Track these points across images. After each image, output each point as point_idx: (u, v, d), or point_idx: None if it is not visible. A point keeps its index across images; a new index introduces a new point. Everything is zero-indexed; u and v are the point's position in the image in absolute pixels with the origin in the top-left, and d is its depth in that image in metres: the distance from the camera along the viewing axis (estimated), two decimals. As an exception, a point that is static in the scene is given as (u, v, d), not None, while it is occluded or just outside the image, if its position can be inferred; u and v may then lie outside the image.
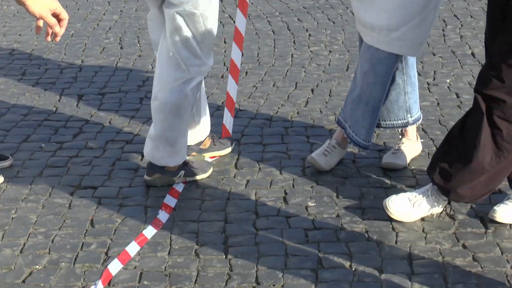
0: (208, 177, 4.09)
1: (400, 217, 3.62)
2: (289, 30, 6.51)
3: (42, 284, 3.24)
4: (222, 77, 5.44)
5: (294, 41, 6.23)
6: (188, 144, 4.14)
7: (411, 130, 4.26)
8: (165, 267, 3.33)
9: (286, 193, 3.92)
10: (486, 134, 3.39)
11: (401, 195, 3.65)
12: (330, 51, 5.96)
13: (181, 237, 3.55)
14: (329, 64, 5.70)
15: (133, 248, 3.45)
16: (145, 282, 3.24)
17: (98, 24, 6.74)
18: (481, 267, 3.30)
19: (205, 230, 3.61)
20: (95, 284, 3.21)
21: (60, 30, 2.63)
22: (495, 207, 3.64)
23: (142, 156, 4.32)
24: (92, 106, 5.01)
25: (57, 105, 5.04)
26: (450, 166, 3.50)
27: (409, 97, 4.13)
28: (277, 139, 4.51)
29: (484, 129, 3.39)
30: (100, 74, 5.58)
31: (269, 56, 5.90)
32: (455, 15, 6.77)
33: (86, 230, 3.62)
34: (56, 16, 2.62)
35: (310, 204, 3.82)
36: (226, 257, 3.39)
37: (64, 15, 2.64)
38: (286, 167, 4.19)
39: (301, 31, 6.47)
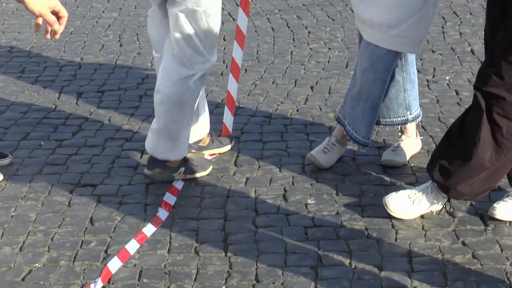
0: (207, 174, 4.09)
1: (400, 214, 3.62)
2: (289, 27, 6.50)
3: (41, 282, 3.23)
4: (221, 74, 5.43)
5: (293, 38, 6.23)
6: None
7: (411, 127, 4.25)
8: (164, 265, 3.33)
9: (285, 191, 3.92)
10: (486, 131, 3.39)
11: (401, 192, 3.65)
12: (329, 48, 5.96)
13: (180, 235, 3.55)
14: (328, 62, 5.69)
15: (132, 246, 3.45)
16: (145, 280, 3.24)
17: (97, 22, 6.73)
18: (481, 265, 3.30)
19: (205, 228, 3.61)
20: (94, 282, 3.21)
21: (59, 28, 2.63)
22: (494, 204, 3.64)
23: (142, 153, 4.32)
24: (92, 104, 5.01)
25: (56, 102, 5.04)
26: (449, 164, 3.50)
27: (409, 94, 4.13)
28: (276, 137, 4.51)
29: (483, 126, 3.39)
30: (99, 72, 5.58)
31: (268, 53, 5.90)
32: (454, 12, 6.77)
33: (86, 228, 3.62)
34: (55, 13, 2.62)
35: (309, 201, 3.82)
36: (225, 254, 3.39)
37: (64, 12, 2.64)
38: (286, 164, 4.19)
39: (301, 28, 6.47)
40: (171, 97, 3.81)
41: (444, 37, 6.17)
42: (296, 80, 5.35)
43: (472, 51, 5.85)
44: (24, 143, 4.48)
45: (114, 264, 3.32)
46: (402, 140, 4.23)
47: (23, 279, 3.26)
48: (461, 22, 6.52)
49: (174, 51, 3.76)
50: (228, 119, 4.47)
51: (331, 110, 4.84)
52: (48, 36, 2.66)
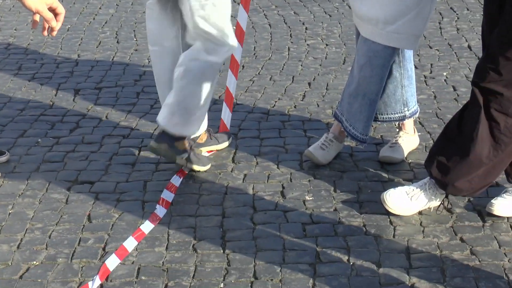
0: (205, 171, 4.08)
1: (398, 210, 3.62)
2: (286, 23, 6.50)
3: (39, 280, 3.23)
4: (220, 71, 5.42)
5: (290, 34, 6.23)
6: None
7: (408, 124, 4.25)
8: (162, 262, 3.33)
9: (283, 187, 3.92)
10: (484, 127, 3.39)
11: (399, 188, 3.65)
12: (326, 45, 5.96)
13: (178, 232, 3.55)
14: (325, 58, 5.69)
15: (130, 243, 3.44)
16: (143, 277, 3.24)
17: (94, 18, 6.72)
18: (479, 261, 3.30)
19: (203, 224, 3.60)
20: (92, 280, 3.20)
21: (56, 25, 2.62)
22: (492, 201, 3.63)
23: (139, 150, 4.32)
24: (89, 101, 5.00)
25: (53, 99, 5.03)
26: (447, 160, 3.49)
27: (406, 90, 4.13)
28: (274, 133, 4.51)
29: (481, 122, 3.39)
30: (96, 69, 5.57)
31: (265, 49, 5.89)
32: (451, 8, 6.77)
33: (83, 225, 3.62)
34: (52, 10, 2.61)
35: (307, 198, 3.82)
36: (224, 251, 3.39)
37: (61, 9, 2.63)
38: (284, 161, 4.18)
39: (298, 24, 6.46)
40: (193, 71, 3.83)
41: (441, 32, 6.17)
42: (293, 77, 5.34)
43: (469, 47, 5.84)
44: (21, 140, 4.48)
45: (112, 262, 3.31)
46: (400, 136, 4.22)
47: (20, 277, 3.25)
48: (458, 18, 6.52)
49: (197, 43, 3.82)
50: (226, 115, 4.47)
51: (329, 107, 4.83)
52: (45, 33, 2.66)
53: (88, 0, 7.21)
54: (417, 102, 4.26)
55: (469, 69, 5.38)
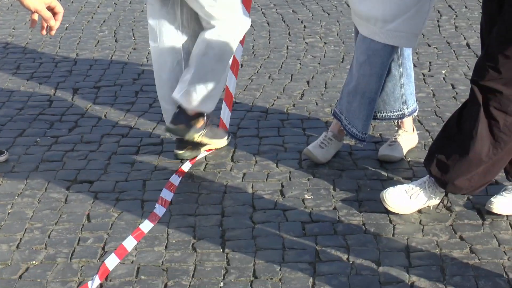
0: (204, 170, 4.08)
1: (397, 209, 3.62)
2: (284, 21, 6.49)
3: (39, 280, 3.22)
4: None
5: (289, 33, 6.22)
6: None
7: (407, 122, 4.25)
8: (162, 262, 3.33)
9: (282, 186, 3.92)
10: (483, 125, 3.39)
11: (398, 187, 3.65)
12: (325, 43, 5.96)
13: (178, 231, 3.54)
14: (324, 56, 5.69)
15: (130, 243, 3.44)
16: (142, 277, 3.23)
17: (92, 17, 6.72)
18: (479, 259, 3.30)
19: (202, 224, 3.60)
20: (92, 279, 3.20)
21: (55, 24, 2.62)
22: (492, 199, 3.63)
23: (138, 149, 4.31)
24: (88, 100, 5.00)
25: (52, 99, 5.03)
26: (447, 158, 3.49)
27: (405, 88, 4.13)
28: (273, 132, 4.50)
29: (481, 121, 3.39)
30: (95, 68, 5.57)
31: (264, 48, 5.89)
32: (449, 6, 6.77)
33: (83, 225, 3.61)
34: (51, 9, 2.61)
35: (307, 197, 3.81)
36: (223, 251, 3.39)
37: (59, 8, 2.63)
38: (283, 159, 4.18)
39: (296, 22, 6.46)
40: (214, 49, 3.91)
41: (439, 30, 6.17)
42: (292, 75, 5.34)
43: (467, 45, 5.84)
44: (20, 139, 4.47)
45: (112, 261, 3.31)
46: (399, 135, 4.22)
47: (20, 277, 3.25)
48: (456, 16, 6.52)
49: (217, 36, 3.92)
50: (225, 114, 4.46)
51: (328, 105, 4.83)
52: (44, 32, 2.65)
53: (86, -1, 7.22)
54: (416, 100, 4.26)
55: (468, 67, 5.38)
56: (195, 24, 4.04)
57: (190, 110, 4.03)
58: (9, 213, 3.73)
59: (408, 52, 4.09)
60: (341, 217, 3.63)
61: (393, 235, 3.49)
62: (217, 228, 3.56)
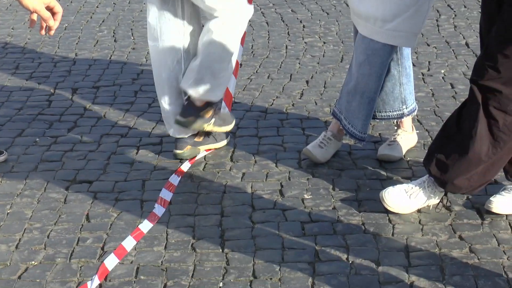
0: (203, 170, 4.08)
1: (397, 209, 3.62)
2: (283, 21, 6.49)
3: (38, 280, 3.22)
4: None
5: (288, 32, 6.22)
6: (181, 136, 4.14)
7: (407, 121, 4.25)
8: (161, 262, 3.32)
9: (282, 186, 3.91)
10: (483, 125, 3.39)
11: (398, 186, 3.65)
12: (324, 42, 5.95)
13: (177, 231, 3.54)
14: (323, 56, 5.69)
15: (129, 243, 3.44)
16: (142, 277, 3.23)
17: (91, 17, 6.71)
18: (478, 259, 3.30)
19: (201, 224, 3.60)
20: (91, 280, 3.20)
21: (54, 24, 2.62)
22: (491, 198, 3.63)
23: (138, 149, 4.31)
24: (87, 100, 4.99)
25: (51, 99, 5.03)
26: (446, 158, 3.49)
27: (404, 88, 4.13)
28: (272, 132, 4.50)
29: (480, 120, 3.38)
30: (94, 68, 5.56)
31: (263, 47, 5.89)
32: (448, 5, 6.77)
33: (82, 225, 3.61)
34: (50, 9, 2.61)
35: (306, 196, 3.81)
36: (222, 251, 3.38)
37: (58, 8, 2.63)
38: (282, 159, 4.18)
39: (295, 22, 6.46)
40: (220, 36, 3.91)
41: (438, 30, 6.17)
42: (291, 75, 5.34)
43: (467, 44, 5.84)
44: (19, 139, 4.47)
45: (111, 261, 3.30)
46: (398, 134, 4.22)
47: (19, 277, 3.24)
48: (455, 15, 6.52)
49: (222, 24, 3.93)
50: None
51: (327, 105, 4.83)
52: (43, 32, 2.65)
53: (85, -2, 7.21)
54: (415, 99, 4.25)
55: (467, 66, 5.37)
56: (195, 22, 4.05)
57: (199, 101, 4.04)
58: (8, 213, 3.72)
59: (407, 51, 4.09)
60: (340, 217, 3.63)
61: (393, 234, 3.49)
62: (217, 228, 3.56)
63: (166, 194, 3.83)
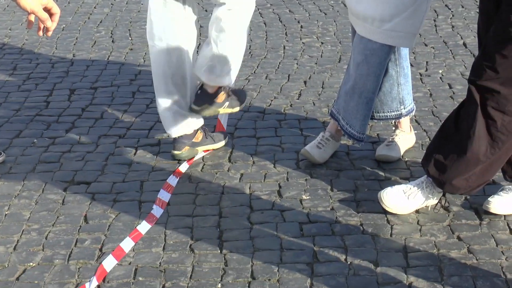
0: (201, 171, 4.08)
1: (395, 209, 3.62)
2: (281, 21, 6.49)
3: (36, 282, 3.22)
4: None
5: (286, 33, 6.22)
6: (179, 135, 4.13)
7: (405, 122, 4.25)
8: (160, 263, 3.32)
9: (280, 187, 3.91)
10: (481, 125, 3.39)
11: (396, 187, 3.65)
12: (322, 43, 5.95)
13: (175, 232, 3.54)
14: (321, 56, 5.68)
15: (127, 244, 3.43)
16: (140, 278, 3.22)
17: (89, 18, 6.71)
18: (476, 259, 3.30)
19: (200, 224, 3.59)
20: (89, 281, 3.19)
21: (52, 25, 2.61)
22: (489, 199, 3.63)
23: (136, 150, 4.31)
24: (84, 101, 4.99)
25: (49, 99, 5.02)
26: (444, 158, 3.49)
27: (402, 88, 4.13)
28: (270, 132, 4.50)
29: (478, 120, 3.39)
30: (91, 68, 5.56)
31: (261, 48, 5.89)
32: (446, 5, 6.77)
33: (80, 226, 3.61)
34: (47, 10, 2.60)
35: (304, 197, 3.81)
36: (221, 252, 3.38)
37: (56, 9, 2.62)
38: (280, 160, 4.18)
39: (293, 22, 6.46)
40: (228, 23, 3.93)
41: (436, 30, 6.17)
42: (289, 75, 5.34)
43: (464, 44, 5.84)
44: (17, 141, 4.46)
45: (109, 263, 3.30)
46: (396, 135, 4.22)
47: (17, 279, 3.24)
48: (453, 15, 6.52)
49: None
50: (223, 116, 4.46)
51: (325, 105, 4.83)
52: (41, 33, 2.65)
53: (83, -1, 7.21)
54: (413, 100, 4.25)
55: (465, 66, 5.37)
56: (196, 12, 4.05)
57: (211, 88, 4.09)
58: (6, 214, 3.72)
59: (405, 51, 4.09)
60: (338, 218, 3.63)
61: (391, 235, 3.48)
62: (215, 229, 3.56)
63: (164, 195, 3.83)
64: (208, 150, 4.28)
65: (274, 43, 5.97)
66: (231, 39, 3.98)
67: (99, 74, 5.45)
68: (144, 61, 5.63)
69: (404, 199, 3.61)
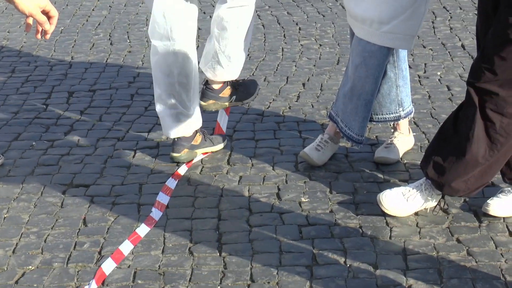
0: (200, 173, 4.08)
1: (394, 211, 3.61)
2: (279, 24, 6.49)
3: (35, 285, 3.21)
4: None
5: (284, 35, 6.22)
6: (178, 136, 4.13)
7: (403, 124, 4.25)
8: (159, 266, 3.32)
9: (279, 189, 3.91)
10: (479, 127, 3.39)
11: (395, 189, 3.64)
12: (320, 45, 5.95)
13: (174, 235, 3.53)
14: (319, 58, 5.68)
15: (126, 247, 3.43)
16: (139, 281, 3.22)
17: (87, 20, 6.70)
18: (476, 261, 3.30)
19: (199, 227, 3.59)
20: (88, 284, 3.19)
21: (50, 28, 2.61)
22: (488, 201, 3.63)
23: (134, 153, 4.30)
24: (83, 103, 4.99)
25: (47, 102, 5.02)
26: (443, 160, 3.49)
27: (401, 90, 4.13)
28: (269, 135, 4.50)
29: (477, 122, 3.39)
30: (90, 71, 5.56)
31: (259, 50, 5.89)
32: (444, 7, 6.77)
33: (79, 229, 3.60)
34: (45, 13, 2.60)
35: (303, 199, 3.81)
36: (220, 254, 3.38)
37: (54, 12, 2.62)
38: (279, 162, 4.18)
39: (291, 24, 6.45)
40: (230, 22, 3.99)
41: (434, 32, 6.17)
42: (287, 77, 5.34)
43: (462, 46, 5.84)
44: (15, 143, 4.46)
45: (108, 266, 3.30)
46: (395, 137, 4.22)
47: (16, 282, 3.24)
48: (451, 17, 6.52)
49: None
50: (222, 119, 4.46)
51: (323, 107, 4.83)
52: (39, 36, 2.64)
53: (81, 2, 7.20)
54: (412, 102, 4.25)
55: (463, 68, 5.38)
56: (197, 9, 4.06)
57: (216, 83, 4.17)
58: (4, 217, 3.71)
59: (403, 53, 4.09)
60: (337, 220, 3.63)
61: (390, 237, 3.48)
62: (214, 231, 3.56)
63: (163, 198, 3.82)
64: (207, 153, 4.28)
65: (273, 45, 5.97)
66: (232, 36, 4.02)
67: (98, 76, 5.44)
68: (143, 63, 5.63)
69: (403, 201, 3.61)
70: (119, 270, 3.30)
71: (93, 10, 6.98)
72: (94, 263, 3.34)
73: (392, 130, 4.29)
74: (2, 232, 3.59)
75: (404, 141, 4.23)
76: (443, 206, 3.67)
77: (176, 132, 4.16)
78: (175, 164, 4.17)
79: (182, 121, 4.13)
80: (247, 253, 3.38)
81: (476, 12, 3.55)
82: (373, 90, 3.97)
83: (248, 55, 5.72)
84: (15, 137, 4.54)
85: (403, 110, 4.16)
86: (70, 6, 7.09)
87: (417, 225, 3.57)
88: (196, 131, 4.23)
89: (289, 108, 4.84)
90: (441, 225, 3.57)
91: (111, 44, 6.10)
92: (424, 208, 3.65)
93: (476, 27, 3.55)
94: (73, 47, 6.05)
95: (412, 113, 4.23)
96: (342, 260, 3.32)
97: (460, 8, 6.72)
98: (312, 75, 5.36)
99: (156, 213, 3.69)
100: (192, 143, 4.22)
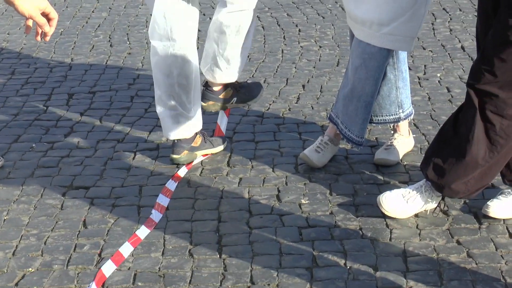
0: (200, 175, 4.08)
1: (394, 213, 3.61)
2: (279, 25, 6.49)
3: (35, 287, 3.21)
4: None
5: (284, 36, 6.22)
6: (178, 138, 4.13)
7: (403, 126, 4.25)
8: (159, 268, 3.32)
9: (279, 191, 3.91)
10: (479, 129, 3.39)
11: (395, 191, 3.64)
12: (320, 46, 5.95)
13: (174, 237, 3.53)
14: (319, 60, 5.68)
15: (126, 249, 3.43)
16: (139, 283, 3.22)
17: (87, 22, 6.70)
18: (476, 263, 3.29)
19: (199, 229, 3.59)
20: (88, 286, 3.19)
21: (50, 30, 2.61)
22: (488, 202, 3.63)
23: (134, 155, 4.30)
24: (83, 105, 4.99)
25: (47, 104, 5.02)
26: (443, 162, 3.49)
27: (401, 92, 4.13)
28: (269, 136, 4.50)
29: (477, 124, 3.38)
30: (90, 73, 5.55)
31: (259, 52, 5.89)
32: (444, 9, 6.77)
33: (79, 231, 3.60)
34: (45, 15, 2.60)
35: (303, 201, 3.81)
36: (220, 256, 3.38)
37: (54, 14, 2.62)
38: (279, 164, 4.18)
39: (291, 26, 6.45)
40: (230, 26, 4.04)
41: (434, 33, 6.17)
42: (287, 79, 5.34)
43: (462, 48, 5.85)
44: (15, 145, 4.46)
45: (108, 268, 3.30)
46: (395, 139, 4.22)
47: (16, 284, 3.23)
48: (450, 19, 6.52)
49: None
50: (222, 120, 4.46)
51: (323, 109, 4.83)
52: (39, 38, 2.65)
53: (81, 3, 7.20)
54: (412, 103, 4.25)
55: (463, 70, 5.38)
56: (198, 12, 4.07)
57: (215, 85, 4.22)
58: (4, 219, 3.71)
59: (403, 55, 4.09)
60: (338, 222, 3.63)
61: (390, 239, 3.48)
62: (214, 233, 3.56)
63: (163, 200, 3.82)
64: (207, 155, 4.28)
65: (272, 47, 5.97)
66: (232, 39, 4.04)
67: (98, 78, 5.44)
68: (142, 65, 5.63)
69: (403, 203, 3.60)
70: (119, 272, 3.29)
71: (93, 12, 6.98)
72: (94, 265, 3.34)
73: (392, 132, 4.29)
74: (2, 234, 3.59)
75: (404, 142, 4.23)
76: (443, 207, 3.67)
77: (176, 133, 4.15)
78: (175, 166, 4.17)
79: (182, 123, 4.13)
80: (247, 255, 3.38)
81: (476, 14, 3.55)
82: (373, 92, 3.97)
83: (248, 57, 5.73)
84: (15, 139, 4.54)
85: (403, 112, 4.16)
86: (70, 8, 7.09)
87: (417, 227, 3.57)
88: (196, 133, 4.23)
89: (289, 110, 4.84)
90: (441, 227, 3.57)
91: (111, 46, 6.10)
92: (424, 210, 3.65)
93: (476, 28, 3.55)
94: (73, 49, 6.05)
95: (412, 115, 4.23)
96: (342, 262, 3.32)
97: (460, 10, 6.72)
98: (312, 77, 5.36)
99: (156, 215, 3.69)
100: (192, 145, 4.22)
